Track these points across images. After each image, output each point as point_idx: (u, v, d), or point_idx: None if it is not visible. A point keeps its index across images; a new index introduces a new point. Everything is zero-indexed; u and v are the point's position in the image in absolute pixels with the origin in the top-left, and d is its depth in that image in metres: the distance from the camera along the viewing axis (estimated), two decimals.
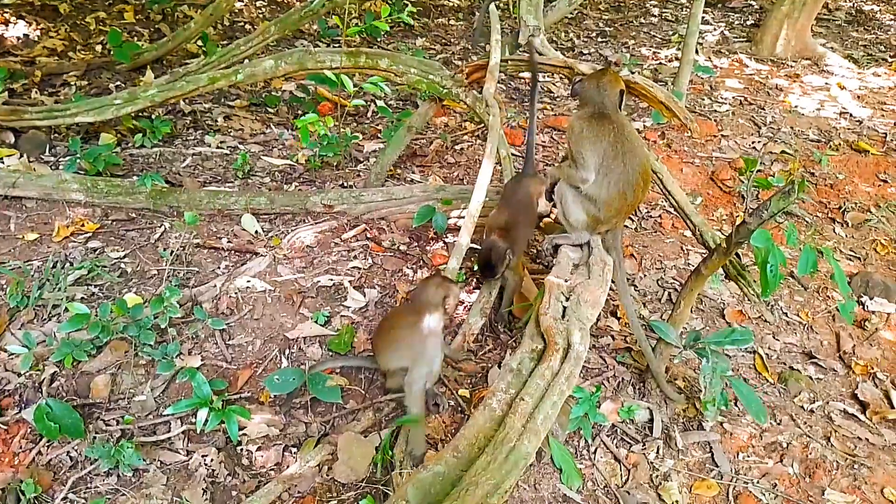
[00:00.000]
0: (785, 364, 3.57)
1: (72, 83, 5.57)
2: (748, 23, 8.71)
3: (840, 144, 5.67)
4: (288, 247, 3.99)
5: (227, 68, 4.65)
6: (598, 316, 2.75)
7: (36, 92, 5.35)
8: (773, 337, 3.74)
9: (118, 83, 5.61)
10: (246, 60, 5.44)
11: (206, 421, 2.63)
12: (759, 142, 5.67)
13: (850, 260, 4.42)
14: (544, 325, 2.33)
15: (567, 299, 2.49)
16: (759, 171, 5.20)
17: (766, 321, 3.84)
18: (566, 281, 2.61)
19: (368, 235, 4.12)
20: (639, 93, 3.18)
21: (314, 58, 4.28)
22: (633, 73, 3.32)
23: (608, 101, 2.88)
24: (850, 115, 6.35)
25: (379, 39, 7.04)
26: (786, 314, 3.91)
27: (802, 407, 3.32)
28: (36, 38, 6.17)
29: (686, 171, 5.15)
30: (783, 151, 5.51)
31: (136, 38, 6.39)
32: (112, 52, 5.62)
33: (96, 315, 3.09)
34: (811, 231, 4.55)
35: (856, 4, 9.93)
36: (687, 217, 2.96)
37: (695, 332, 3.02)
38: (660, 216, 4.65)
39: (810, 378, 3.49)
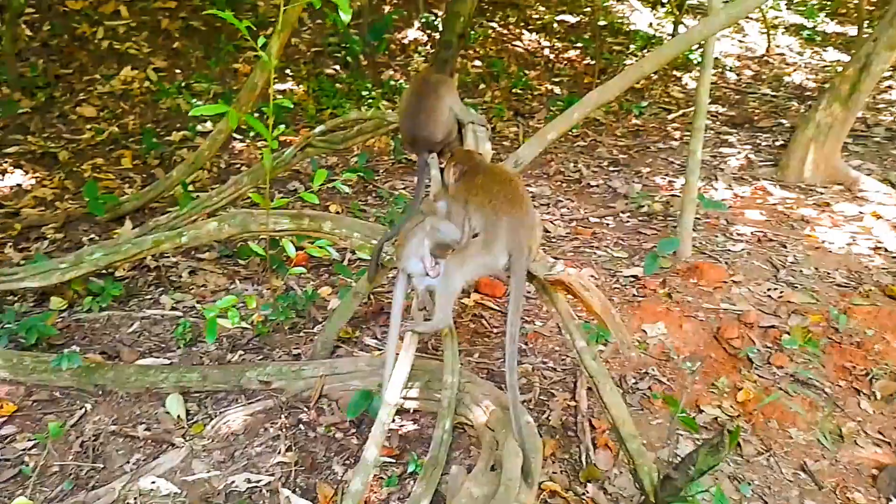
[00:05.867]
0: None
1: (48, 237, 5.47)
2: (777, 143, 8.18)
3: (871, 290, 4.98)
4: (212, 434, 3.57)
5: (171, 230, 4.41)
6: None
7: (10, 247, 5.25)
8: None
9: (92, 237, 5.48)
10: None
11: None
12: (775, 289, 5.04)
13: (878, 446, 3.69)
14: None
15: None
16: (772, 326, 4.56)
17: None
18: None
19: (305, 419, 3.67)
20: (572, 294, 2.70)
21: (257, 220, 4.01)
22: (563, 270, 2.78)
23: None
24: (886, 250, 5.68)
25: (375, 178, 6.80)
26: None
27: None
28: (28, 188, 6.18)
29: (686, 327, 4.55)
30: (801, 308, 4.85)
31: (128, 185, 6.34)
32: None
33: None
34: (828, 411, 3.85)
35: None
36: (622, 441, 2.40)
37: None
38: (649, 388, 4.05)
39: None
